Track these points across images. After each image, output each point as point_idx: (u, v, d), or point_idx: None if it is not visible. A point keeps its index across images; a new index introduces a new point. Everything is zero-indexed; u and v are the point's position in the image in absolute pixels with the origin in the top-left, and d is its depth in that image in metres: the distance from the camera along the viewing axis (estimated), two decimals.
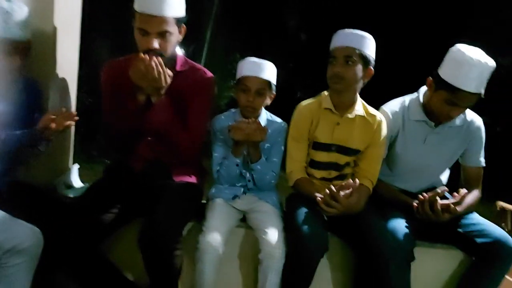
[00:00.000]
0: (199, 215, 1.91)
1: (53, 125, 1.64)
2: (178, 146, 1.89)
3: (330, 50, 1.91)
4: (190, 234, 1.89)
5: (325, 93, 2.02)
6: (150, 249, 1.61)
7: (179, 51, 1.97)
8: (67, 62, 2.10)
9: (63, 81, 2.08)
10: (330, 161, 2.00)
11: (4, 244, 1.46)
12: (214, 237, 1.75)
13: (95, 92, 1.96)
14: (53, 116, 1.65)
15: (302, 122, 1.99)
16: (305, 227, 1.73)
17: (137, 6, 1.70)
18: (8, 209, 1.55)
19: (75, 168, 2.26)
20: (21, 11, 1.69)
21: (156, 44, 1.71)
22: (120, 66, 1.84)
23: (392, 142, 2.07)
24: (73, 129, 2.27)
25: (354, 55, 1.83)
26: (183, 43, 1.96)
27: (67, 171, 2.22)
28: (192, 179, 1.95)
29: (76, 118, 1.71)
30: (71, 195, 2.06)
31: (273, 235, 1.79)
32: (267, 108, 2.09)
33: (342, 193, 1.77)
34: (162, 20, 1.70)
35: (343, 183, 1.78)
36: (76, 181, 2.24)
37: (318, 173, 2.02)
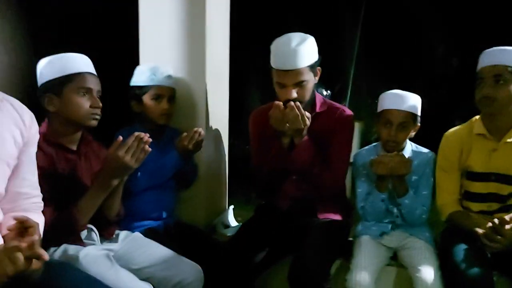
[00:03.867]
0: (347, 253, 1.88)
1: (188, 144, 1.91)
2: (322, 184, 1.93)
3: (476, 71, 1.77)
4: (338, 272, 1.88)
5: (476, 117, 1.86)
6: (300, 287, 1.64)
7: (324, 93, 2.05)
8: (219, 114, 2.35)
9: (216, 131, 2.33)
10: (489, 192, 1.79)
11: (172, 279, 1.64)
12: (363, 276, 1.69)
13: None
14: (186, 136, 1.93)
15: (450, 151, 1.85)
16: (466, 266, 1.57)
17: (273, 63, 1.84)
18: (174, 247, 1.76)
19: (231, 209, 2.47)
20: (166, 68, 2.03)
21: (294, 94, 1.82)
22: (265, 113, 1.98)
23: None
24: (227, 174, 2.51)
25: (505, 73, 1.67)
26: (328, 84, 2.05)
27: (224, 212, 2.43)
28: (338, 216, 1.96)
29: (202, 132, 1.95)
30: (228, 234, 2.24)
31: (428, 273, 1.66)
32: (417, 139, 1.99)
33: (507, 226, 1.57)
34: (296, 72, 1.80)
35: (507, 217, 1.59)
36: (232, 221, 2.44)
37: (476, 206, 1.83)
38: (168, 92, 2.00)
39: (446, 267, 1.69)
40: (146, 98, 1.98)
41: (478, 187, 1.82)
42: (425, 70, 7.16)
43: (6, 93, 1.32)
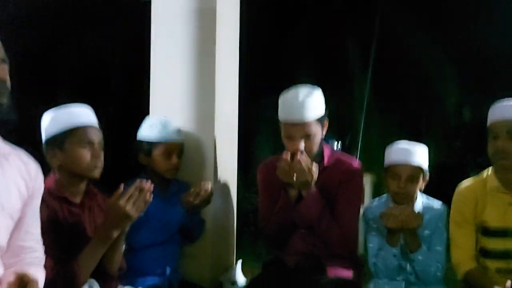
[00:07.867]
0: None
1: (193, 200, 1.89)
2: (330, 240, 1.88)
3: (488, 125, 1.75)
4: None
5: (489, 170, 1.81)
6: None
7: (335, 144, 2.04)
8: (227, 167, 2.33)
9: (224, 184, 2.30)
10: (507, 248, 1.72)
11: None
12: None
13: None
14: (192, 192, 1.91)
15: (465, 205, 1.80)
16: None
17: (280, 117, 1.87)
18: None
19: (238, 265, 2.38)
20: (174, 122, 2.04)
21: (301, 146, 1.82)
22: (273, 165, 1.97)
23: None
24: (235, 229, 2.45)
25: None
26: (339, 135, 2.05)
27: (231, 268, 2.35)
28: (348, 273, 1.88)
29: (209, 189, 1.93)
30: None
31: None
32: (429, 191, 1.94)
33: None
34: (304, 125, 1.81)
35: None
36: (240, 278, 2.35)
37: (493, 264, 1.75)
38: (177, 148, 2.01)
39: None
40: (156, 154, 1.98)
41: (495, 244, 1.75)
42: (437, 120, 7.15)
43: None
